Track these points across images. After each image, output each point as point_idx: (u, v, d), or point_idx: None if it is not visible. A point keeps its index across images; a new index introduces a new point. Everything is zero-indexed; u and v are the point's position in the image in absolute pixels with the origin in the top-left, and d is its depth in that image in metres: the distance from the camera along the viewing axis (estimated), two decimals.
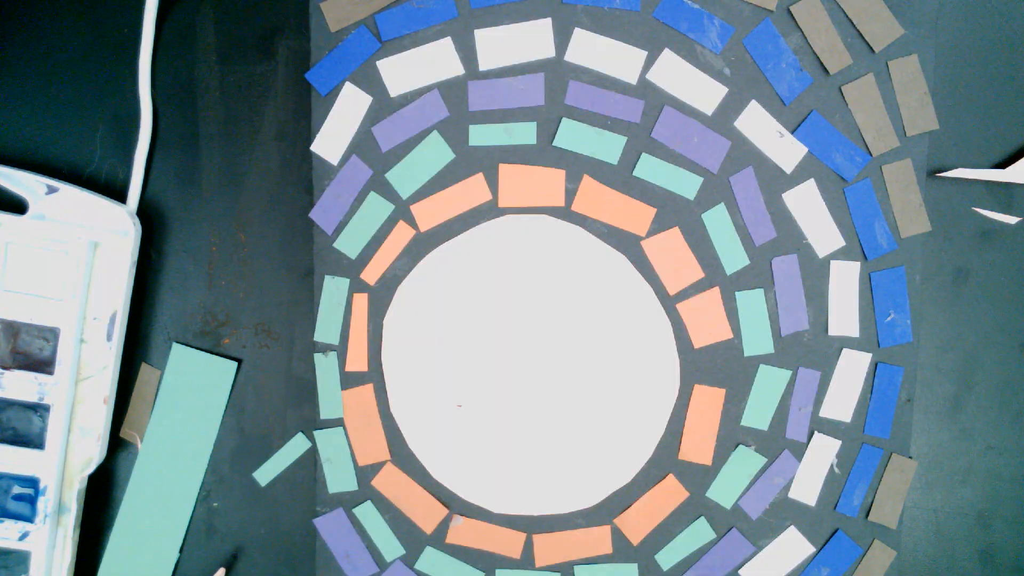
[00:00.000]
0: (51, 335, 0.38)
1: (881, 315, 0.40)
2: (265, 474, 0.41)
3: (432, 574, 0.42)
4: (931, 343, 0.41)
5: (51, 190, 0.39)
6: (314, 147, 0.40)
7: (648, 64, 0.40)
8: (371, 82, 0.40)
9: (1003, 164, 0.40)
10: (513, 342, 0.41)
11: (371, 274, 0.41)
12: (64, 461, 0.39)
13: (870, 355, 0.40)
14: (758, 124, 0.40)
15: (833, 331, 0.40)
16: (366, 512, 0.41)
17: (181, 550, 0.41)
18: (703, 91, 0.40)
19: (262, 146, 0.41)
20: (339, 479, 0.41)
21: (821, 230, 0.40)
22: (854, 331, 0.40)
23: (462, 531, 0.41)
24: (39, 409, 0.39)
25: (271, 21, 0.41)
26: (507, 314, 0.41)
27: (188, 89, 0.41)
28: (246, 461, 0.41)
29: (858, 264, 0.40)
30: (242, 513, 0.41)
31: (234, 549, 0.42)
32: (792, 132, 0.40)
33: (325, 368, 0.41)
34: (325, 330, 0.41)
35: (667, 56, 0.40)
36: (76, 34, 0.41)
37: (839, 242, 0.40)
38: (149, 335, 0.41)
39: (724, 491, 0.41)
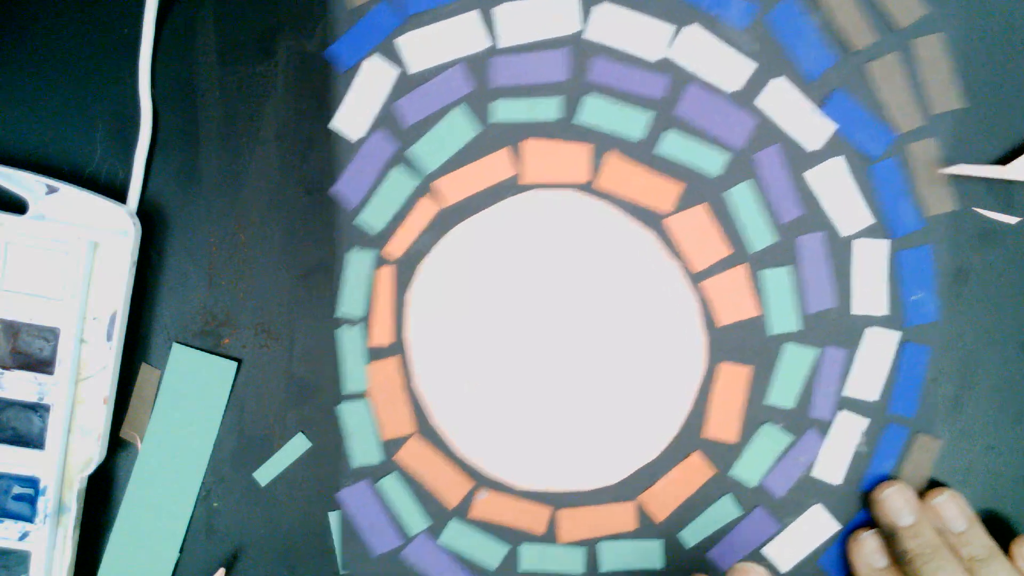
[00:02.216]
0: (51, 335, 0.38)
1: (907, 294, 0.40)
2: (265, 474, 0.41)
3: (456, 547, 0.41)
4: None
5: (51, 190, 0.38)
6: (334, 123, 0.40)
7: (673, 40, 0.40)
8: (393, 57, 0.40)
9: (1003, 161, 0.40)
10: (538, 318, 0.41)
11: (395, 249, 0.41)
12: (64, 461, 0.39)
13: (897, 333, 0.40)
14: (784, 101, 0.40)
15: (859, 310, 0.40)
16: (390, 485, 0.41)
17: (181, 550, 0.41)
18: (729, 67, 0.40)
19: (262, 146, 0.41)
20: (363, 452, 0.41)
21: (848, 208, 0.40)
22: (881, 310, 0.40)
23: (486, 505, 0.41)
24: (39, 409, 0.38)
25: (271, 21, 0.40)
26: (532, 290, 0.41)
27: (188, 89, 0.41)
28: (246, 461, 0.41)
29: (885, 242, 0.40)
30: (242, 513, 0.41)
31: (234, 549, 0.41)
32: (818, 110, 0.40)
33: (349, 341, 0.41)
34: (350, 304, 0.41)
35: (692, 32, 0.40)
36: (76, 34, 0.40)
37: (866, 220, 0.40)
38: (149, 335, 0.41)
39: (749, 469, 0.41)
